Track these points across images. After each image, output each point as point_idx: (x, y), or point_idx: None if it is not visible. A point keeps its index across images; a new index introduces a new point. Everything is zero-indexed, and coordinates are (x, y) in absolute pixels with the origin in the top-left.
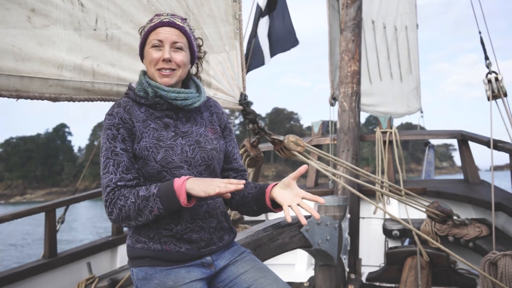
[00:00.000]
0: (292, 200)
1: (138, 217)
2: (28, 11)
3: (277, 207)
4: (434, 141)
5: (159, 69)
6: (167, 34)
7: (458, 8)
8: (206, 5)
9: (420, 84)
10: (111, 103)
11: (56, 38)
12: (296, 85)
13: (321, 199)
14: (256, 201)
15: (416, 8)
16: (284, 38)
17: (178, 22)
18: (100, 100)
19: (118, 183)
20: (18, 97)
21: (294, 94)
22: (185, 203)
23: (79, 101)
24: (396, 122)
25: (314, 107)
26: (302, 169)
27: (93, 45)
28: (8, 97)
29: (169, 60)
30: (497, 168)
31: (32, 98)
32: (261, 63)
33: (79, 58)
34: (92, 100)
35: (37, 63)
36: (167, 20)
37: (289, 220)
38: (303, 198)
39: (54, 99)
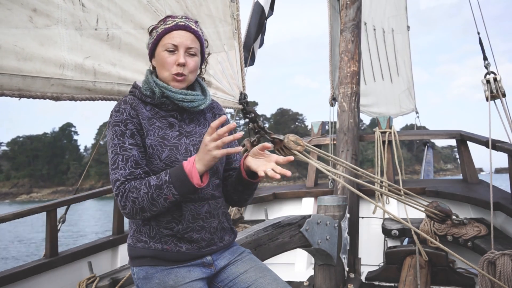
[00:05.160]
0: (266, 165)
1: (153, 207)
2: (30, 11)
3: (254, 177)
4: (439, 143)
5: (174, 74)
6: (182, 38)
7: (468, 10)
8: (204, 5)
9: (423, 85)
10: (113, 102)
11: (58, 38)
12: (305, 86)
13: (291, 158)
14: (237, 178)
15: (406, 10)
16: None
17: (193, 26)
18: (102, 99)
19: (128, 177)
20: (20, 96)
21: (302, 95)
22: (199, 183)
23: (80, 100)
24: (400, 124)
25: (321, 108)
26: (267, 144)
27: (94, 45)
28: (11, 96)
29: (183, 65)
30: (501, 171)
31: (34, 97)
32: (252, 63)
33: (80, 58)
34: (93, 99)
35: (39, 63)
36: (183, 23)
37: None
38: (276, 162)
39: (56, 98)
